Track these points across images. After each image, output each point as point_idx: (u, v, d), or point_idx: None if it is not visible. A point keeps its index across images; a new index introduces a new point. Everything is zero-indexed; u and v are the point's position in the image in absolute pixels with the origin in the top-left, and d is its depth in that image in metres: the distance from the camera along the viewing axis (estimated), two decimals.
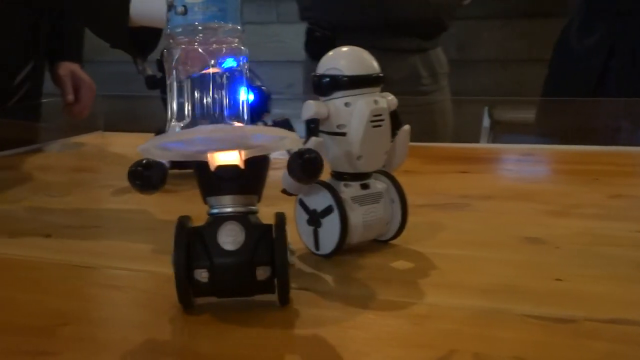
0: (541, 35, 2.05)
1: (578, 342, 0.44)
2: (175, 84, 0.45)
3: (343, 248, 0.59)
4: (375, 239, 0.63)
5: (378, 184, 0.62)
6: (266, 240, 0.48)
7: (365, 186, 0.61)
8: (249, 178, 0.50)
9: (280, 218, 0.49)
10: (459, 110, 1.71)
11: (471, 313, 0.49)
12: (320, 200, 0.59)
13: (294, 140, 0.49)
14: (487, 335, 0.45)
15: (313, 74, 0.60)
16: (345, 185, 0.60)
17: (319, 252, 0.60)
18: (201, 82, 0.45)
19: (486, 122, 1.77)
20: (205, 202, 0.51)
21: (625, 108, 1.37)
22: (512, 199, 0.83)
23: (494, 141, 1.68)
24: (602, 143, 1.13)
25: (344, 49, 0.60)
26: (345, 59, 0.59)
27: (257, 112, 0.53)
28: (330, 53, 0.60)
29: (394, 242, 0.63)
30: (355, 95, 0.58)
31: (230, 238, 0.48)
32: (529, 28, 2.26)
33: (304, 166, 0.49)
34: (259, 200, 0.52)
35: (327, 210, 0.59)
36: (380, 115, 0.59)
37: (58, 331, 0.47)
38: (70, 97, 1.50)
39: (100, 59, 1.70)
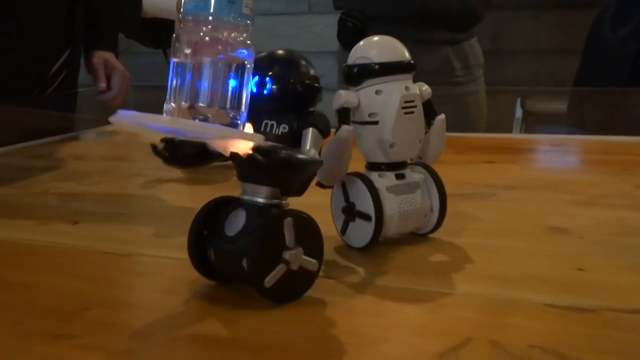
0: (575, 26, 2.03)
1: (597, 331, 0.44)
2: (171, 68, 0.46)
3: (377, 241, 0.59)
4: (414, 233, 0.62)
5: (415, 175, 0.60)
6: (257, 235, 0.47)
7: (400, 176, 0.60)
8: (261, 169, 0.48)
9: (275, 215, 0.48)
10: (492, 101, 1.70)
11: (490, 302, 0.49)
12: (361, 200, 0.58)
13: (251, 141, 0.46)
14: (505, 323, 0.45)
15: (344, 65, 0.59)
16: (380, 176, 0.59)
17: (351, 244, 0.60)
18: (179, 69, 0.45)
19: (518, 112, 1.76)
20: None
21: None
22: (538, 189, 0.82)
23: (526, 132, 1.67)
24: (635, 133, 1.11)
25: (375, 38, 0.59)
26: (375, 47, 0.58)
27: (298, 106, 0.53)
28: (361, 43, 0.59)
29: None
30: (386, 82, 0.58)
31: (231, 224, 0.49)
32: (563, 18, 2.23)
33: (250, 162, 0.47)
34: (286, 194, 0.50)
35: (366, 217, 0.58)
36: (412, 101, 0.58)
37: (81, 315, 0.48)
38: (103, 84, 1.52)
39: (133, 50, 1.72)
